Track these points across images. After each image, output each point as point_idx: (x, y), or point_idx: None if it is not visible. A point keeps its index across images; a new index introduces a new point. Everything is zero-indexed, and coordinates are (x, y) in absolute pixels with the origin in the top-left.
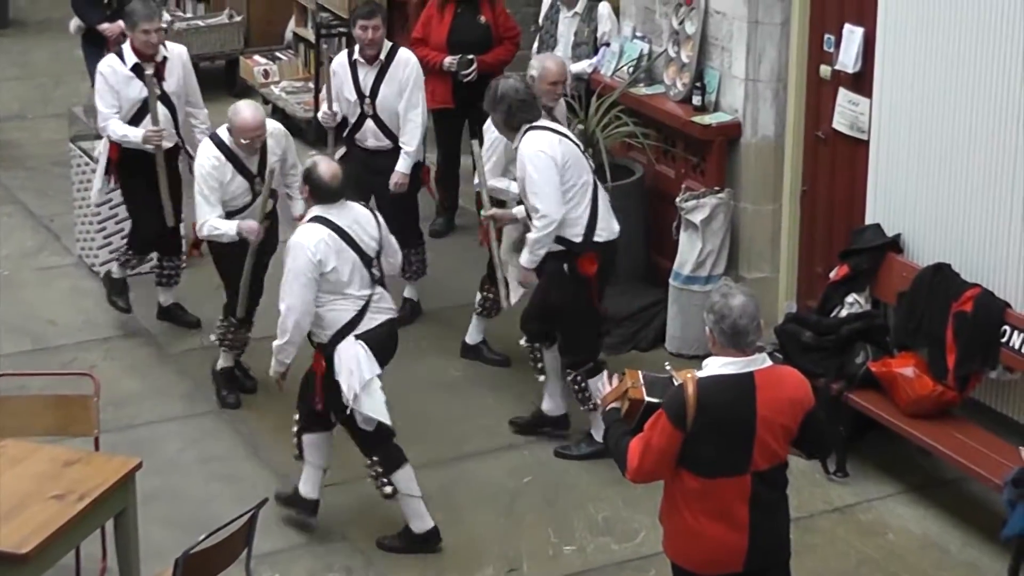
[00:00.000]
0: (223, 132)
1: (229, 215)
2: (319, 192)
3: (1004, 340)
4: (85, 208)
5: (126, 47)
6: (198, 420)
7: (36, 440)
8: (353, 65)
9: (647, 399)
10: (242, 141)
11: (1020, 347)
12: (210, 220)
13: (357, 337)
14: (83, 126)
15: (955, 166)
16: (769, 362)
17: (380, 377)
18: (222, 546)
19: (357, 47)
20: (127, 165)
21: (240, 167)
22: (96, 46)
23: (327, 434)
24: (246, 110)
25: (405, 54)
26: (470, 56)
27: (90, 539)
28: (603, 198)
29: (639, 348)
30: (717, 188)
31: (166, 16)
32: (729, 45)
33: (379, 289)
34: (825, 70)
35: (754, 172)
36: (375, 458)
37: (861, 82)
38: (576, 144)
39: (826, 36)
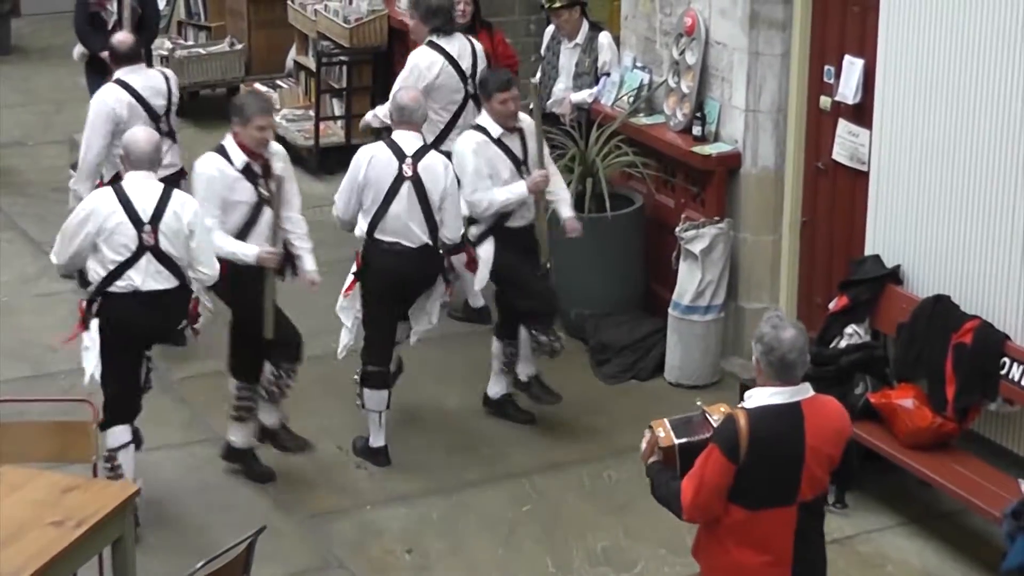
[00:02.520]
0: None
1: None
2: (117, 56)
3: (1004, 372)
4: None
5: (231, 143)
6: (196, 447)
7: (34, 466)
8: (499, 141)
9: (676, 442)
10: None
11: (1020, 379)
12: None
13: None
14: None
15: (955, 197)
16: (811, 391)
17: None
18: (220, 573)
19: (491, 122)
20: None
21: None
22: (99, 73)
23: None
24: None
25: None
26: None
27: (88, 566)
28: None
29: (639, 378)
30: (717, 218)
31: (167, 44)
32: (729, 76)
33: (166, 142)
34: (825, 101)
35: (754, 202)
36: None
37: (861, 113)
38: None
39: (826, 67)
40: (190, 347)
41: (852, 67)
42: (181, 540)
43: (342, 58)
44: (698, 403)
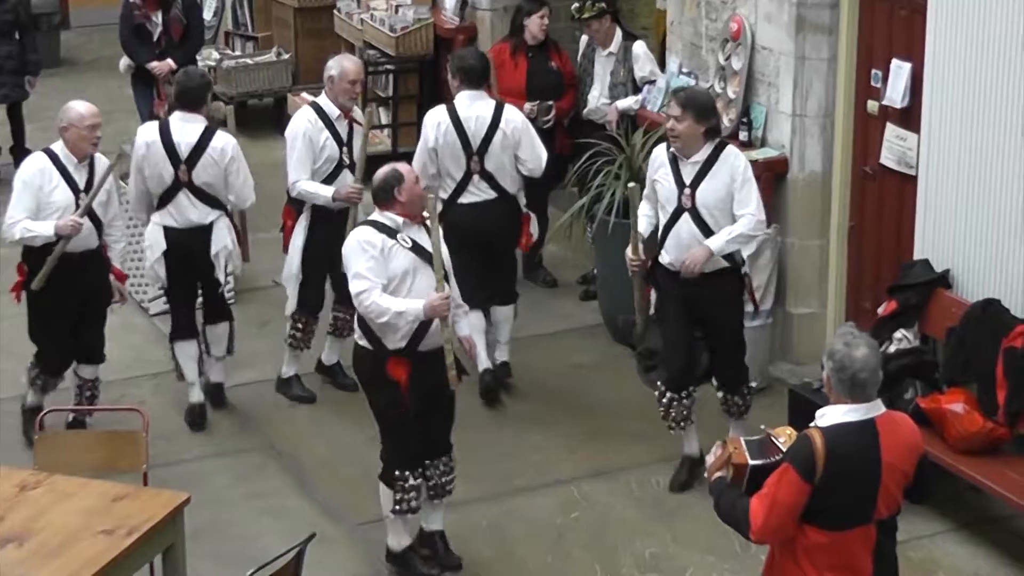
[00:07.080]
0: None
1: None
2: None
3: None
4: (134, 244)
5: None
6: (246, 455)
7: (85, 475)
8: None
9: (750, 463)
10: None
11: None
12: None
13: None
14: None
15: (1004, 201)
16: (883, 408)
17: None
18: None
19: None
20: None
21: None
22: (145, 84)
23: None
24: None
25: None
26: (549, 103)
27: (139, 574)
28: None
29: None
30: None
31: (215, 55)
32: (776, 81)
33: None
34: (873, 105)
35: (801, 207)
36: None
37: (909, 117)
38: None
39: (873, 71)
40: (237, 356)
41: (900, 71)
42: (231, 547)
43: (388, 67)
44: (762, 427)
